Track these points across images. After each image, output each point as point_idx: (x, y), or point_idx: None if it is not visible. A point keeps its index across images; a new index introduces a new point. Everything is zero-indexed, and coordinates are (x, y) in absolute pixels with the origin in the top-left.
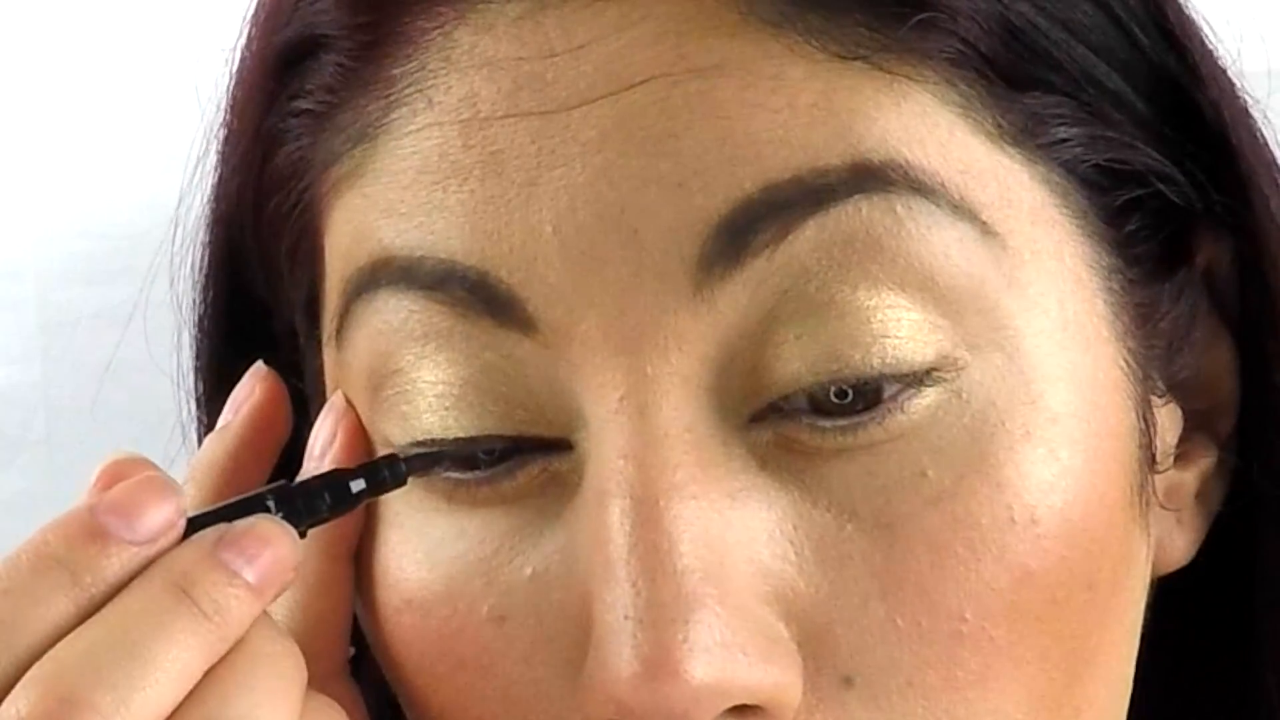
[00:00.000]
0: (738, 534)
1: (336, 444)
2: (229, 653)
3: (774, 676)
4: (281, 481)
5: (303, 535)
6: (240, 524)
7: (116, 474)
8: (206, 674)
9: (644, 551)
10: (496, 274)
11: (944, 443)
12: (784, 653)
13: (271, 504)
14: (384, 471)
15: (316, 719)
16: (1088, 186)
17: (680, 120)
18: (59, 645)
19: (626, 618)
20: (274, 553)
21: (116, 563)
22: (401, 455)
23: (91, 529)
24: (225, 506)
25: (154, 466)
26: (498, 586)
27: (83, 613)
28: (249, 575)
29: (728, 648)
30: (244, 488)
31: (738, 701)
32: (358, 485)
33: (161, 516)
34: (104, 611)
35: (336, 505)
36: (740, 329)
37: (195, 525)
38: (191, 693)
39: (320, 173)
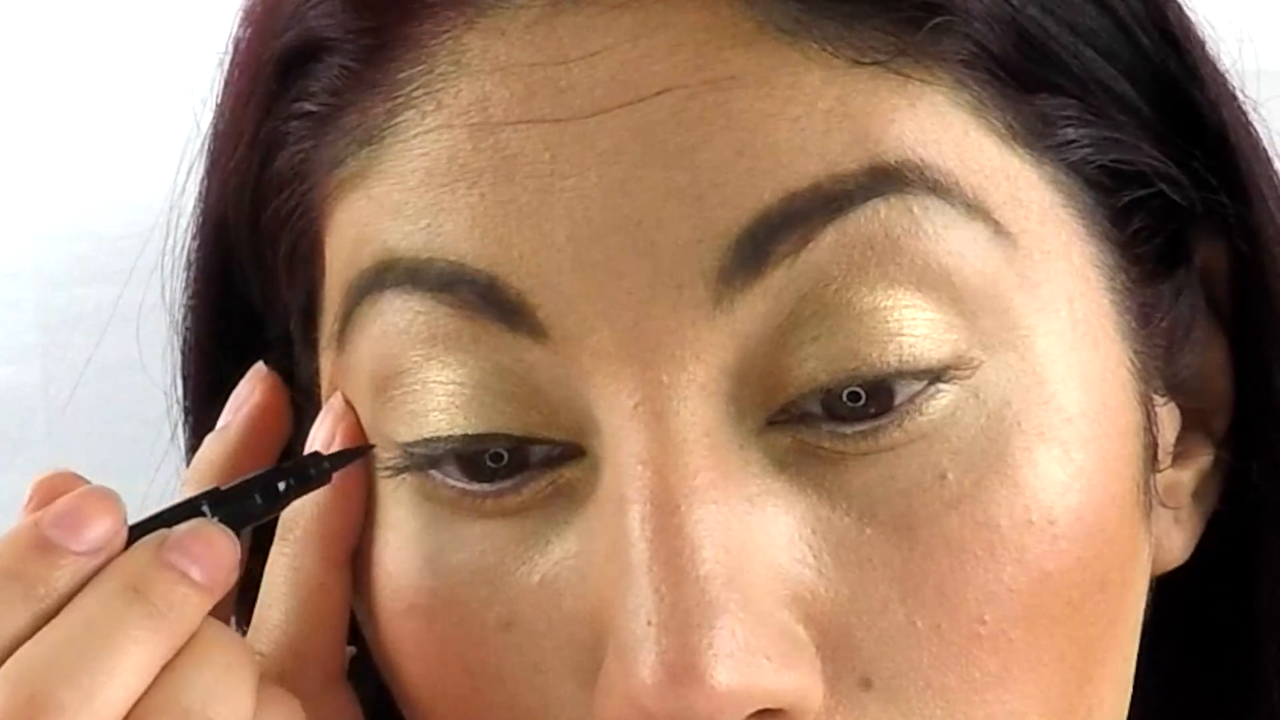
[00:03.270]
0: (757, 538)
1: (335, 446)
2: (183, 648)
3: (796, 681)
4: (213, 486)
5: (239, 536)
6: (181, 528)
7: (50, 490)
8: (163, 669)
9: (665, 557)
10: (506, 279)
11: (963, 444)
12: (805, 657)
13: (206, 509)
14: (310, 469)
15: (271, 708)
16: (1093, 187)
17: (698, 133)
18: (22, 649)
19: (649, 623)
20: (215, 554)
21: (66, 573)
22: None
23: (39, 542)
24: (162, 513)
25: (85, 481)
26: (505, 593)
27: (38, 621)
28: (196, 575)
29: (751, 653)
30: None
31: (761, 706)
32: (284, 485)
33: (105, 526)
34: (63, 615)
35: (269, 505)
36: (758, 336)
37: (134, 533)
38: (150, 686)
39: (323, 175)
